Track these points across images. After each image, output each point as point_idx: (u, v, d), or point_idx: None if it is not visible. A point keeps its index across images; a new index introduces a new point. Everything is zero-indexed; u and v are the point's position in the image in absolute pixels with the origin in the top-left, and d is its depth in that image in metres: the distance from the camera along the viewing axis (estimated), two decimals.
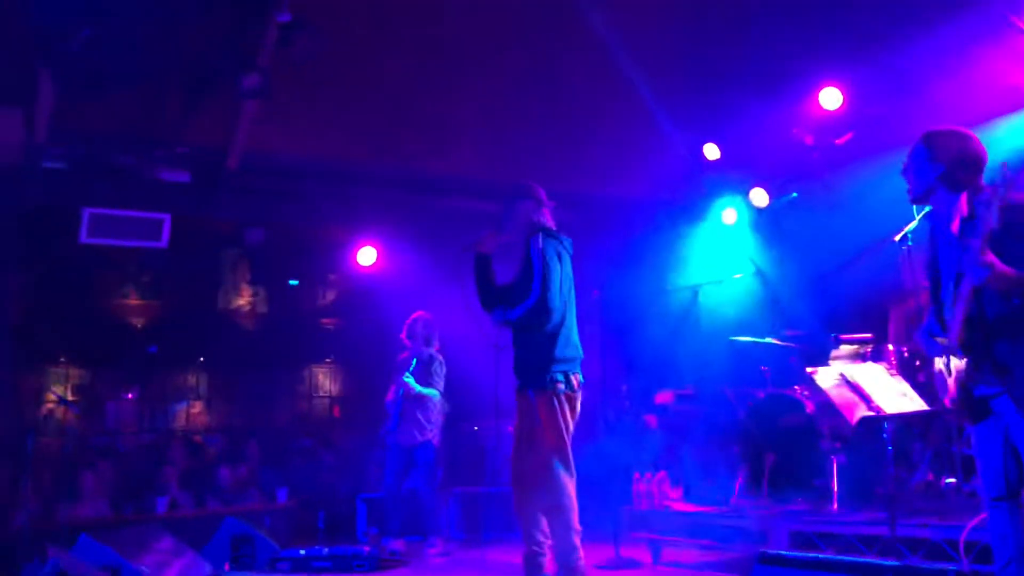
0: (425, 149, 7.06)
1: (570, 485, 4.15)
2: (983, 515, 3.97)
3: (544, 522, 4.20)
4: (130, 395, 10.04)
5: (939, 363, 3.17)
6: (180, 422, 10.37)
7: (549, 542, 4.18)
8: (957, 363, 3.01)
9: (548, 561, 4.19)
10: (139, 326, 9.94)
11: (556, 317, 4.19)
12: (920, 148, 3.12)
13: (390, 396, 6.73)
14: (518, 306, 4.23)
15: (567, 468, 4.14)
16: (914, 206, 3.50)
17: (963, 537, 3.84)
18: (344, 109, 6.43)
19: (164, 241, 6.86)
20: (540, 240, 4.27)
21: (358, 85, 6.23)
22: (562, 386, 4.19)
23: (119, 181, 6.54)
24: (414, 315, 6.87)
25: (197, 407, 10.52)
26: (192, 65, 5.77)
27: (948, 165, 3.02)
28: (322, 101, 6.36)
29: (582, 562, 4.14)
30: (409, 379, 6.53)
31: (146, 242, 6.88)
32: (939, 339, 3.08)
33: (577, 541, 4.13)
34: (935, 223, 3.19)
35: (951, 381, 3.08)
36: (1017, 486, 3.05)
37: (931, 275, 3.22)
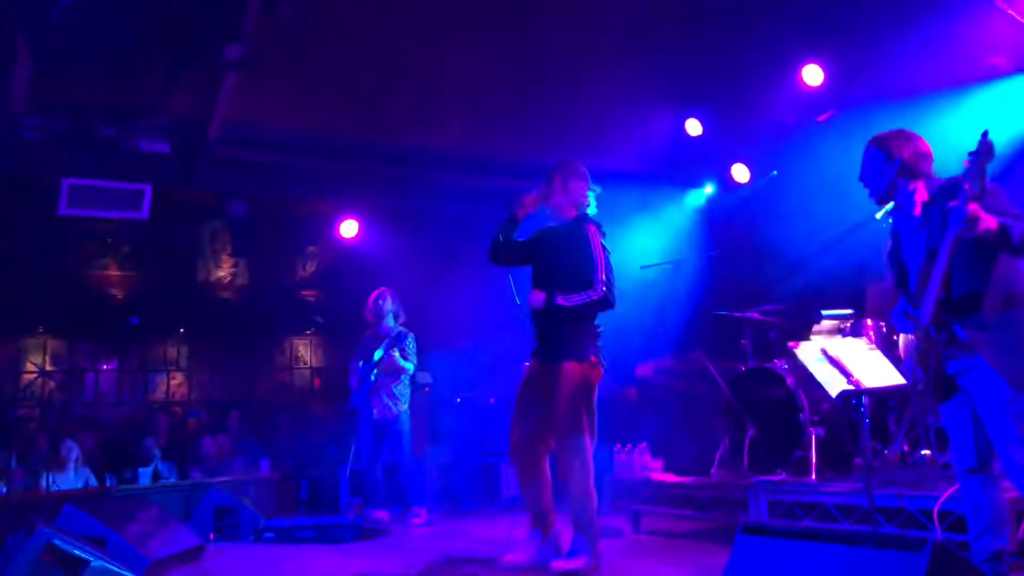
0: (409, 122, 7.03)
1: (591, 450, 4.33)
2: (956, 487, 4.11)
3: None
4: (108, 366, 9.98)
5: (902, 342, 3.31)
6: (160, 393, 10.34)
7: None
8: (926, 343, 3.13)
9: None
10: (119, 297, 9.86)
11: (611, 307, 4.41)
12: (873, 151, 3.35)
13: (354, 372, 6.78)
14: (577, 294, 4.35)
15: (593, 435, 4.32)
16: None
17: (937, 507, 3.96)
18: (328, 81, 6.38)
19: (145, 212, 6.80)
20: (598, 232, 4.47)
21: (343, 57, 6.17)
22: (595, 360, 4.40)
23: (99, 152, 6.46)
24: (376, 292, 6.90)
25: (177, 378, 10.48)
26: (174, 34, 5.68)
27: (903, 161, 3.24)
28: (306, 72, 6.31)
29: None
30: (394, 354, 6.59)
31: (126, 213, 6.82)
32: (911, 317, 3.20)
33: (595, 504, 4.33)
34: (897, 217, 3.38)
35: (918, 360, 3.20)
36: (987, 458, 3.16)
37: (896, 266, 3.39)
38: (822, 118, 6.89)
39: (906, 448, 4.98)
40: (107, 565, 2.64)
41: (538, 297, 4.43)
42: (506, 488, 7.32)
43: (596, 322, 4.48)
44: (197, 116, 6.41)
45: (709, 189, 8.42)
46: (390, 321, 6.80)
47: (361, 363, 6.73)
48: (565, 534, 4.41)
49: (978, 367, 3.04)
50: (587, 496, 4.26)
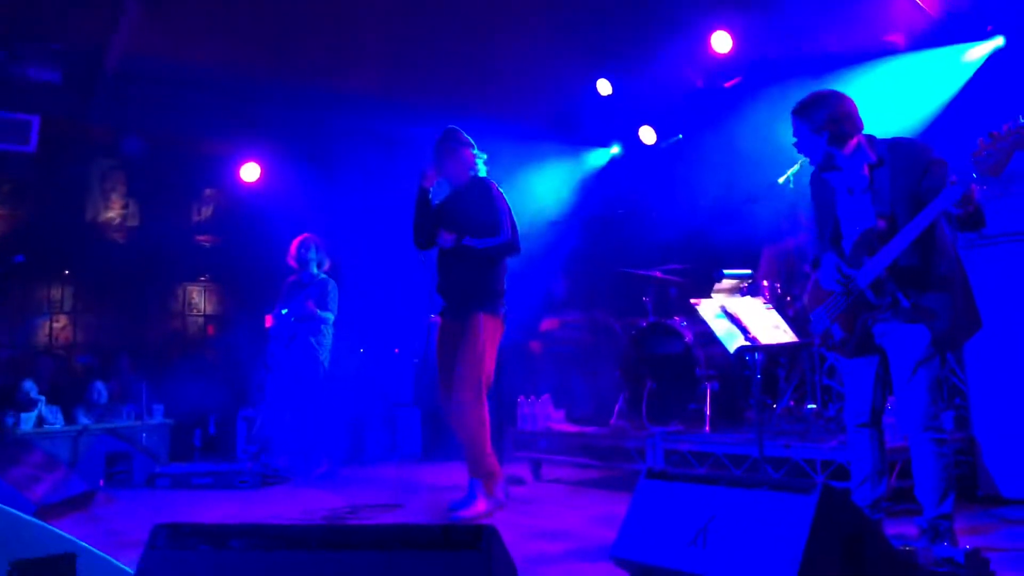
0: (320, 64, 6.84)
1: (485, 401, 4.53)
2: (839, 438, 4.40)
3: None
4: None
5: (809, 293, 3.46)
6: (43, 337, 9.85)
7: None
8: (858, 303, 3.24)
9: None
10: None
11: (518, 252, 4.64)
12: (798, 123, 3.36)
13: (270, 319, 6.67)
14: (485, 239, 4.54)
15: (488, 387, 4.54)
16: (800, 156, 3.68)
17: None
18: (238, 15, 6.12)
19: (32, 145, 6.43)
20: (497, 185, 4.68)
21: None
22: (503, 313, 4.63)
23: None
24: (301, 237, 6.78)
25: (61, 321, 9.98)
26: None
27: (830, 128, 3.26)
28: (212, 4, 6.04)
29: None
30: (311, 304, 6.51)
31: (12, 145, 6.44)
32: (846, 276, 3.25)
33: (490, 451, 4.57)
34: (835, 176, 3.40)
35: (837, 316, 3.34)
36: (880, 414, 3.38)
37: (830, 222, 3.44)
38: (729, 84, 7.08)
39: (793, 403, 5.27)
40: None
41: (447, 237, 4.58)
42: (408, 438, 7.36)
43: (505, 276, 4.65)
44: (94, 44, 6.05)
45: (615, 149, 8.55)
46: (313, 269, 6.70)
47: (284, 311, 6.61)
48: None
49: (904, 330, 3.17)
50: (482, 444, 4.45)
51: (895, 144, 3.26)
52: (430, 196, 4.75)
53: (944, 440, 3.17)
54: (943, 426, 3.22)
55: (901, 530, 3.50)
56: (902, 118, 5.70)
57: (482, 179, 4.76)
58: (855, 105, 3.32)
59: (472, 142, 4.82)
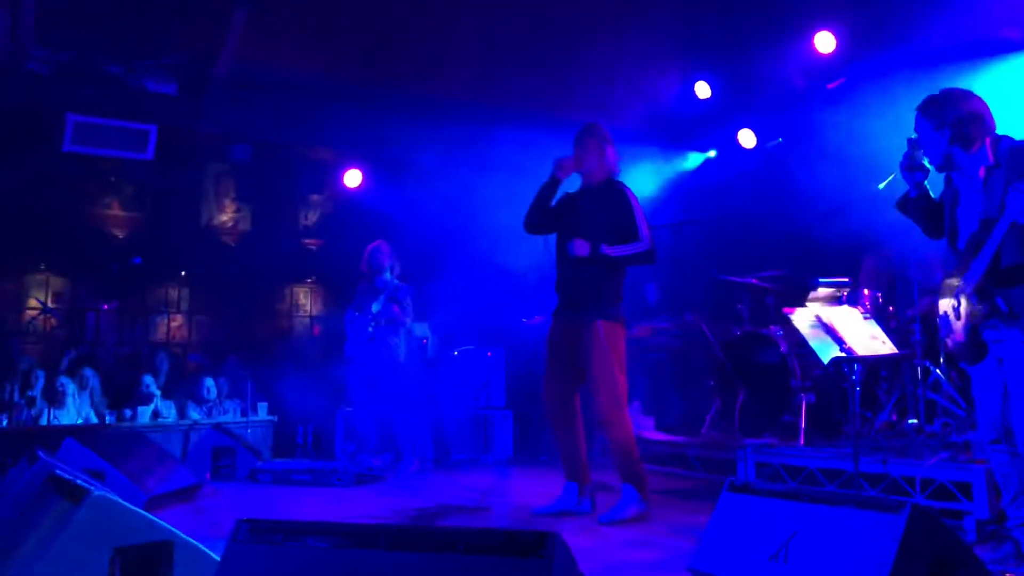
0: (416, 70, 6.98)
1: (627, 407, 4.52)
2: (940, 455, 4.19)
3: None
4: (108, 306, 10.00)
5: (944, 305, 3.31)
6: (160, 335, 10.39)
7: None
8: (968, 307, 3.14)
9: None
10: (120, 237, 9.86)
11: (655, 261, 4.54)
12: (922, 120, 3.28)
13: (351, 322, 6.87)
14: (623, 246, 4.45)
15: (626, 392, 4.48)
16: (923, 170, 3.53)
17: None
18: (337, 24, 6.32)
19: (150, 152, 6.81)
20: (632, 191, 4.59)
21: (354, 1, 6.13)
22: (622, 318, 4.54)
23: (105, 89, 6.44)
24: (372, 245, 6.94)
25: (177, 320, 10.51)
26: None
27: (953, 127, 3.16)
28: (316, 14, 6.25)
29: None
30: (393, 306, 6.66)
31: (131, 153, 6.83)
32: (954, 282, 3.20)
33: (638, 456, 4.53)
34: (958, 177, 3.31)
35: (958, 324, 3.22)
36: (1011, 431, 3.22)
37: (949, 225, 3.35)
38: (832, 85, 6.85)
39: (894, 417, 5.06)
40: (107, 495, 2.70)
41: (582, 246, 4.45)
42: (499, 440, 7.42)
43: (622, 284, 4.57)
44: (204, 55, 6.36)
45: (713, 153, 8.40)
46: (386, 274, 6.86)
47: (357, 314, 6.80)
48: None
49: (1011, 339, 3.07)
50: (630, 449, 4.41)
51: (1017, 148, 3.14)
52: (558, 186, 4.66)
53: None
54: None
55: None
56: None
57: (618, 182, 4.61)
58: (987, 106, 3.22)
59: (609, 136, 4.67)
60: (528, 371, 7.88)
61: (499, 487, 5.80)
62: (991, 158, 3.16)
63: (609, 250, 4.41)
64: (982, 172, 3.17)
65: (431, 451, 7.33)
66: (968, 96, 3.23)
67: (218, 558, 2.78)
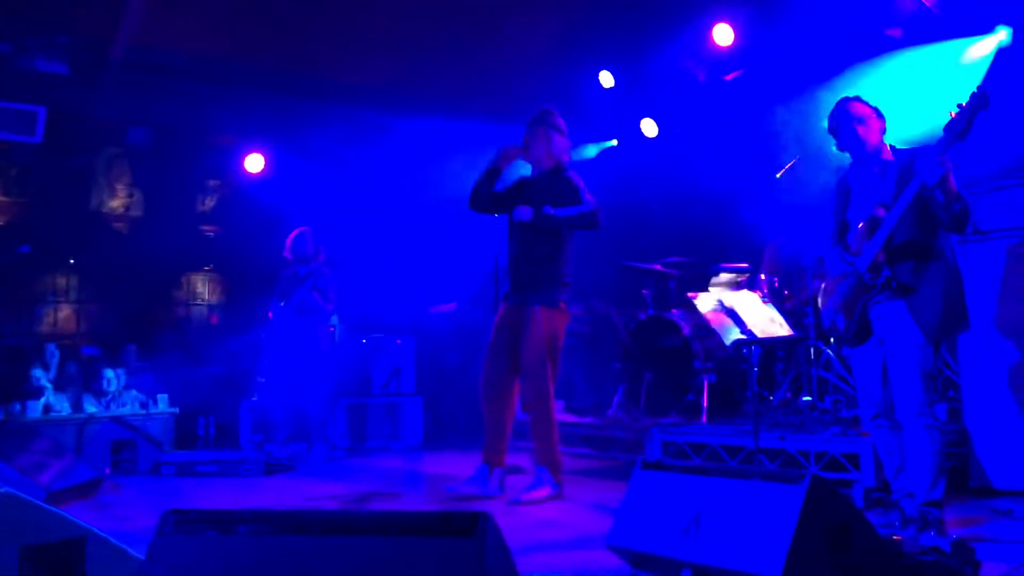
0: (323, 54, 6.89)
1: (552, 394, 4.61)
2: (833, 429, 4.47)
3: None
4: None
5: (821, 290, 3.58)
6: (47, 325, 9.92)
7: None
8: (858, 288, 3.40)
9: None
10: (2, 224, 9.35)
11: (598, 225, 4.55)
12: (844, 110, 3.56)
13: (274, 309, 6.76)
14: (565, 208, 4.49)
15: (554, 379, 4.59)
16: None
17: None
18: (242, 6, 6.17)
19: (38, 135, 6.50)
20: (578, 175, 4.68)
21: None
22: (564, 306, 4.60)
23: None
24: (297, 231, 6.84)
25: (65, 311, 10.05)
26: None
27: (871, 121, 3.50)
28: None
29: None
30: (315, 293, 6.59)
31: (18, 135, 6.50)
32: (848, 260, 3.45)
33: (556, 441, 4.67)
34: (852, 173, 3.63)
35: (841, 306, 3.47)
36: (890, 405, 3.46)
37: (839, 219, 3.64)
38: (729, 77, 7.11)
39: (789, 395, 5.34)
40: (11, 492, 2.61)
41: (525, 211, 4.53)
42: (409, 427, 7.44)
43: (567, 266, 4.65)
44: (100, 36, 6.10)
45: (614, 142, 8.59)
46: (310, 260, 6.77)
47: (282, 303, 6.70)
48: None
49: (897, 313, 3.32)
50: (550, 434, 4.54)
51: (907, 150, 3.48)
52: (500, 175, 4.71)
53: (937, 427, 3.26)
54: (936, 413, 3.31)
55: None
56: (906, 118, 5.73)
57: (565, 169, 4.70)
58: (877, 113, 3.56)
59: (562, 125, 4.74)
60: (438, 358, 7.92)
61: (411, 473, 5.84)
62: (890, 155, 3.50)
63: (552, 211, 4.48)
64: (877, 168, 3.48)
65: (343, 439, 7.29)
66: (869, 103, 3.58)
67: (132, 553, 2.73)
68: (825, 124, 3.65)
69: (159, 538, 2.18)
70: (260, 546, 2.12)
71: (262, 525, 2.15)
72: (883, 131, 3.54)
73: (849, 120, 3.52)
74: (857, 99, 3.59)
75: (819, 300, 3.73)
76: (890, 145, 3.54)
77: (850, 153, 3.59)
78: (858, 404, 4.45)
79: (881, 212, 3.33)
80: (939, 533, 3.20)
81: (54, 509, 2.76)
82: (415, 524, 2.05)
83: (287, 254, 6.80)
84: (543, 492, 4.48)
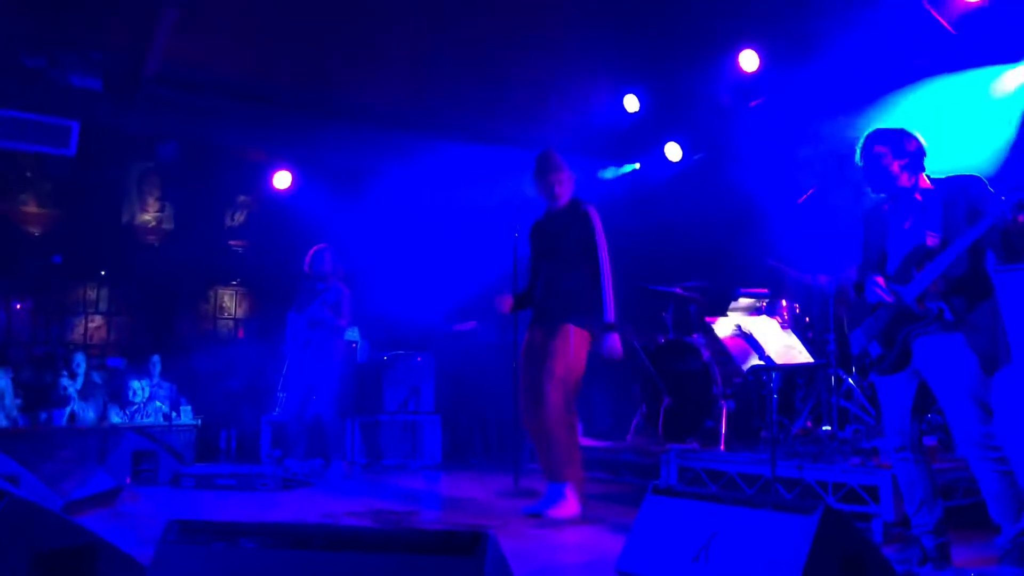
0: (349, 75, 6.98)
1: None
2: (852, 460, 4.40)
3: None
4: (19, 305, 9.66)
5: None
6: (78, 335, 10.07)
7: None
8: (901, 318, 3.33)
9: None
10: (37, 235, 9.53)
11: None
12: (873, 148, 3.46)
13: (291, 324, 6.82)
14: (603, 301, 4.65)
15: (575, 399, 4.67)
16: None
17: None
18: (271, 27, 6.27)
19: (72, 149, 6.63)
20: (595, 210, 4.81)
21: (289, 3, 6.09)
22: (595, 331, 4.69)
23: (28, 82, 6.24)
24: (316, 248, 6.91)
25: (96, 321, 10.21)
26: None
27: (908, 156, 3.41)
28: (250, 15, 6.19)
29: None
30: (329, 310, 6.64)
31: (52, 148, 6.64)
32: (893, 289, 3.36)
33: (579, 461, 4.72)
34: (891, 204, 3.52)
35: (877, 336, 3.42)
36: (918, 438, 3.42)
37: (875, 249, 3.54)
38: (754, 103, 7.09)
39: (809, 424, 5.27)
40: (24, 498, 2.65)
41: (613, 346, 4.64)
42: (428, 445, 7.44)
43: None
44: (133, 51, 6.23)
45: (637, 165, 8.59)
46: (328, 276, 6.82)
47: (297, 315, 6.76)
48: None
49: (951, 346, 3.24)
50: (573, 451, 4.59)
51: (948, 179, 3.41)
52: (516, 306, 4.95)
53: (1003, 457, 3.18)
54: (998, 444, 3.23)
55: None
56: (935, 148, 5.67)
57: (582, 204, 4.84)
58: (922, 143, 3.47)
59: (564, 164, 4.88)
60: (458, 376, 7.92)
61: (427, 491, 5.83)
62: (927, 186, 3.42)
63: (605, 317, 4.63)
64: (918, 196, 3.40)
65: (361, 456, 7.31)
66: (917, 135, 3.48)
67: (142, 562, 2.75)
68: (855, 155, 3.56)
69: (163, 547, 2.20)
70: (262, 559, 2.13)
71: (265, 538, 2.17)
72: (914, 161, 3.43)
73: (876, 159, 3.45)
74: (880, 134, 3.49)
75: (845, 326, 3.67)
76: (927, 176, 3.46)
77: (884, 191, 3.50)
78: (881, 434, 4.39)
79: (931, 241, 3.27)
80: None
81: (67, 517, 2.79)
82: (417, 542, 2.05)
83: (306, 269, 6.87)
84: (568, 510, 4.52)
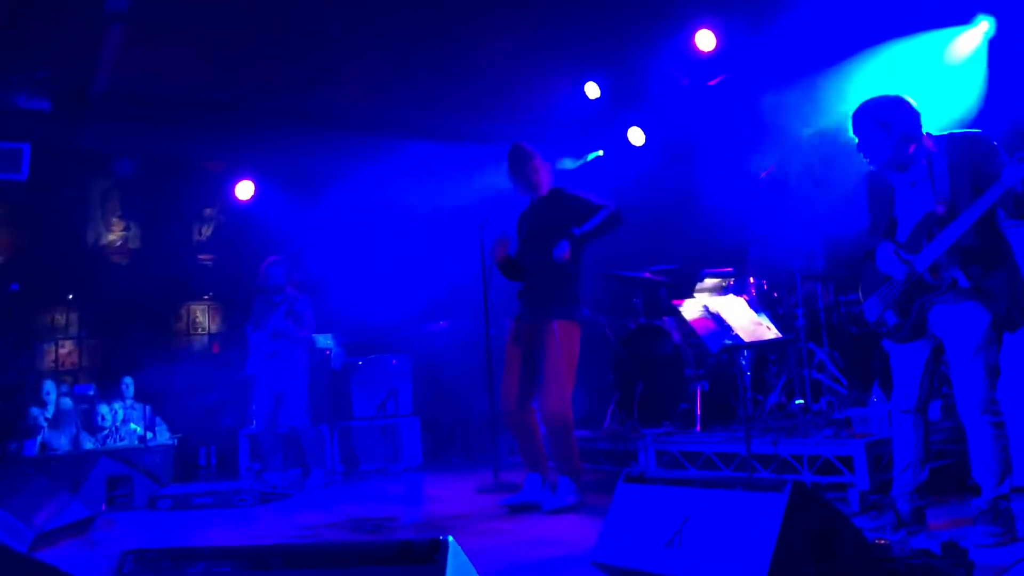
0: (309, 81, 6.88)
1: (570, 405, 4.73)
2: (824, 432, 4.40)
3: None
4: None
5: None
6: (49, 362, 9.93)
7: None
8: (916, 286, 3.30)
9: None
10: None
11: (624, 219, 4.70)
12: (871, 121, 3.40)
13: (250, 337, 6.74)
14: (589, 221, 4.64)
15: (572, 390, 4.70)
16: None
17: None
18: (222, 36, 6.15)
19: (24, 172, 6.51)
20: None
21: (240, 10, 5.97)
22: (579, 319, 4.74)
23: None
24: (268, 260, 6.83)
25: (67, 347, 10.07)
26: None
27: (903, 129, 3.34)
28: (198, 26, 6.07)
29: None
30: (288, 320, 6.56)
31: (3, 173, 6.51)
32: (905, 261, 3.34)
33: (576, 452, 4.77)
34: (897, 175, 3.46)
35: (891, 303, 3.39)
36: (927, 402, 3.43)
37: (885, 216, 3.50)
38: (713, 82, 7.07)
39: (783, 398, 5.28)
40: None
41: (562, 247, 4.60)
42: (407, 448, 7.39)
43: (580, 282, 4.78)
44: (80, 69, 6.10)
45: (600, 152, 8.56)
46: (284, 288, 6.74)
47: (257, 331, 6.67)
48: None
49: (965, 314, 3.22)
50: (570, 443, 4.65)
51: (951, 137, 3.35)
52: (511, 262, 4.91)
53: (1001, 423, 3.21)
54: (1000, 409, 3.24)
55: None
56: None
57: (559, 188, 4.89)
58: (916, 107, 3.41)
59: (536, 153, 4.90)
60: (434, 377, 7.87)
61: (409, 495, 5.79)
62: (931, 148, 3.35)
63: (581, 229, 4.62)
64: (925, 161, 3.34)
65: (341, 463, 7.25)
66: (910, 101, 3.41)
67: None
68: (847, 128, 3.50)
69: None
70: None
71: (224, 562, 2.12)
72: (913, 128, 3.36)
73: (873, 132, 3.39)
74: (875, 107, 3.41)
75: (862, 294, 3.62)
76: (926, 133, 3.38)
77: (886, 162, 3.44)
78: (855, 404, 4.40)
79: (941, 209, 3.24)
80: (1003, 524, 3.17)
81: (28, 555, 2.72)
82: (375, 554, 2.01)
83: (260, 282, 6.79)
84: (570, 499, 4.59)
